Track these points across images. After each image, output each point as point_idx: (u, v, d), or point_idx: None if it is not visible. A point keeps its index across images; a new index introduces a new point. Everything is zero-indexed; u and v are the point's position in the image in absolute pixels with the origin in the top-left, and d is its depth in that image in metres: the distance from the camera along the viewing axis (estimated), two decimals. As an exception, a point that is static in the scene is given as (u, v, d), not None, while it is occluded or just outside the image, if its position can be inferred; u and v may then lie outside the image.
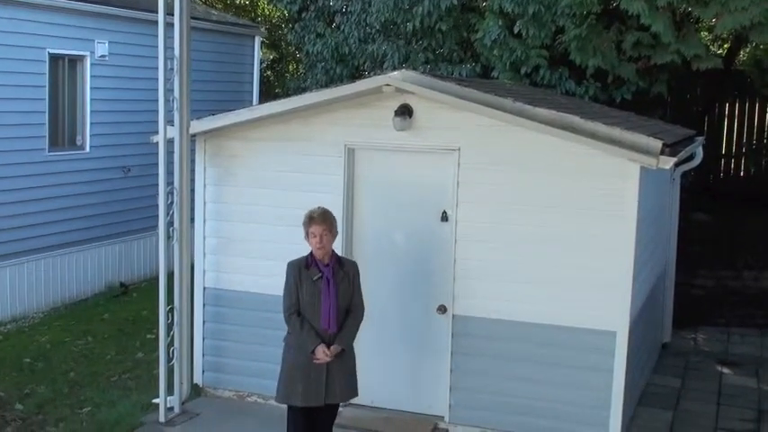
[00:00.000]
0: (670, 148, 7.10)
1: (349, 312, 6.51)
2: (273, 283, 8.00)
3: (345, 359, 6.49)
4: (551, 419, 7.38)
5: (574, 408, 7.29)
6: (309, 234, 6.42)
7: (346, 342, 6.46)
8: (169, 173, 7.91)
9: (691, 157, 9.74)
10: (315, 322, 6.36)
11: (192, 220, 8.31)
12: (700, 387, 9.25)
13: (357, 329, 6.60)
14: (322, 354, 6.29)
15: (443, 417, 7.76)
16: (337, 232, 6.58)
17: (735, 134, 16.35)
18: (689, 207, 12.57)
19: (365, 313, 6.69)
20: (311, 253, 6.47)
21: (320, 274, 6.38)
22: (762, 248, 13.81)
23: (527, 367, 7.41)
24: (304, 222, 6.47)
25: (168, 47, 7.72)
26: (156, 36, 7.69)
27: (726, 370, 9.90)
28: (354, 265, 6.72)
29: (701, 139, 10.32)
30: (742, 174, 16.45)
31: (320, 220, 6.40)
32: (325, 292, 6.35)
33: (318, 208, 6.54)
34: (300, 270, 6.44)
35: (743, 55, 16.48)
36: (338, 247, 7.73)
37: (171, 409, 8.04)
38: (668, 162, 6.81)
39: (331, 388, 6.41)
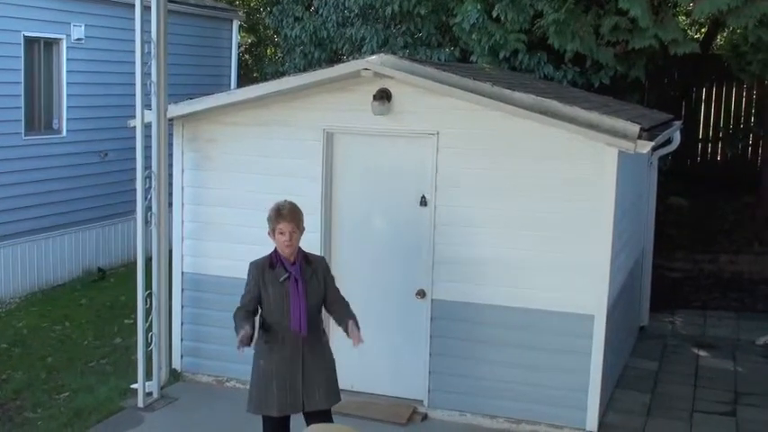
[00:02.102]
0: (648, 133, 7.14)
1: (332, 308, 6.09)
2: (252, 267, 8.01)
3: (322, 361, 6.07)
4: (530, 403, 7.42)
5: (552, 391, 7.33)
6: (276, 231, 5.92)
7: (354, 317, 6.01)
8: (147, 157, 7.88)
9: (668, 142, 9.79)
10: (284, 325, 5.90)
11: (170, 204, 8.28)
12: (677, 370, 9.32)
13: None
14: (240, 342, 5.70)
15: (422, 401, 7.78)
16: (304, 228, 6.07)
17: (712, 119, 16.45)
18: (666, 191, 12.66)
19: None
20: (275, 251, 6.01)
21: (287, 275, 5.92)
22: (738, 232, 13.92)
23: (506, 351, 7.44)
24: (270, 218, 5.98)
25: (145, 30, 7.67)
26: (133, 19, 7.65)
27: (702, 352, 9.98)
28: (323, 260, 6.30)
29: (678, 123, 10.37)
30: (719, 158, 16.56)
31: (290, 217, 5.91)
32: (294, 293, 5.89)
33: (286, 202, 6.07)
34: (264, 271, 5.97)
35: (720, 39, 16.55)
36: (317, 232, 7.73)
37: (150, 394, 8.03)
38: (646, 146, 6.85)
39: (310, 394, 5.97)
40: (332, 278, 6.22)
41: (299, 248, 6.05)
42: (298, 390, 5.96)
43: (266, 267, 6.00)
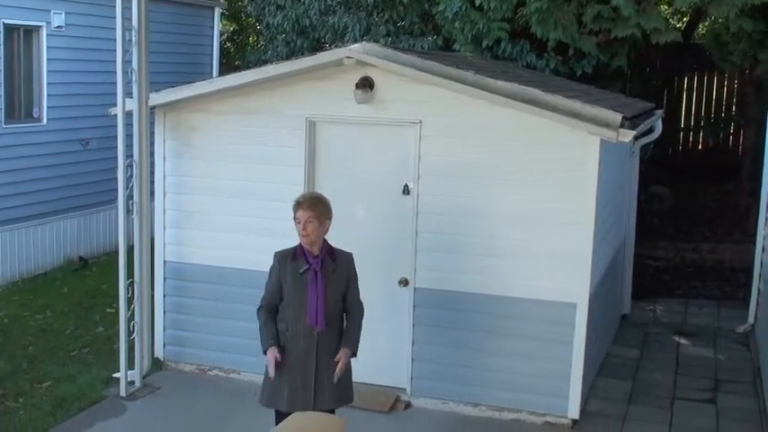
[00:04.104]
0: (630, 122, 7.17)
1: (346, 313, 5.96)
2: (234, 256, 8.03)
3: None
4: (512, 391, 7.46)
5: (534, 379, 7.37)
6: (295, 221, 5.79)
7: (353, 345, 5.91)
8: (128, 146, 7.84)
9: (650, 131, 9.81)
10: (301, 318, 5.76)
11: (152, 193, 8.25)
12: (658, 357, 9.38)
13: (360, 329, 6.00)
14: (272, 358, 5.68)
15: (405, 389, 7.82)
16: (329, 222, 5.88)
17: (693, 108, 16.52)
18: (648, 180, 12.71)
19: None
20: (300, 243, 5.86)
21: (307, 267, 5.77)
22: (719, 221, 14.01)
23: (488, 339, 7.47)
24: (293, 207, 5.86)
25: (126, 18, 7.63)
26: (114, 7, 7.60)
27: (683, 340, 10.05)
28: (349, 257, 6.02)
29: (660, 112, 10.40)
30: (700, 147, 16.64)
31: (306, 205, 5.77)
32: (312, 286, 5.74)
33: (309, 193, 6.03)
34: (286, 262, 5.82)
35: (702, 29, 16.61)
36: (300, 220, 7.73)
37: (132, 383, 8.02)
38: (628, 135, 6.87)
39: (321, 392, 5.81)
40: (354, 278, 6.05)
41: (326, 242, 5.92)
42: (309, 387, 5.82)
43: (289, 258, 5.85)
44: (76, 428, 7.30)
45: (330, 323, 5.85)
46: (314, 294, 5.76)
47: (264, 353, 5.79)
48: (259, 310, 5.95)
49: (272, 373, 5.72)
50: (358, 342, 5.99)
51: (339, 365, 5.81)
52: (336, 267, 5.90)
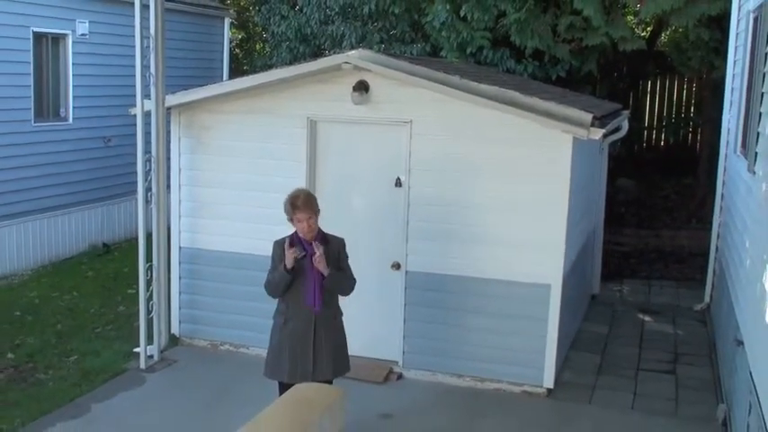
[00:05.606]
0: (599, 121, 7.16)
1: None
2: (242, 242, 8.03)
3: (334, 336, 5.95)
4: (493, 363, 7.47)
5: (513, 352, 7.38)
6: (295, 220, 5.75)
7: (334, 272, 5.81)
8: (147, 142, 7.82)
9: (617, 129, 9.78)
10: (299, 300, 5.81)
11: (168, 186, 8.23)
12: (624, 333, 9.40)
13: (344, 281, 5.94)
14: (290, 256, 5.63)
15: (398, 362, 7.82)
16: (319, 210, 5.89)
17: (656, 108, 16.53)
18: (616, 174, 12.72)
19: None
20: (296, 232, 5.84)
21: (304, 253, 5.76)
22: (678, 210, 14.04)
23: (472, 317, 7.47)
24: (286, 209, 5.77)
25: (144, 27, 7.60)
26: (133, 16, 7.57)
27: (647, 318, 10.07)
28: (340, 241, 6.01)
29: (626, 112, 10.39)
30: (662, 144, 16.66)
31: (303, 206, 5.73)
32: (309, 271, 5.76)
33: (300, 192, 5.88)
34: (285, 249, 5.77)
35: (664, 37, 16.61)
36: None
37: (151, 357, 8.02)
38: (597, 133, 6.87)
39: (319, 364, 5.86)
40: (345, 257, 6.02)
41: (319, 229, 5.89)
42: (308, 361, 5.85)
43: (287, 246, 5.80)
44: (101, 398, 7.30)
45: (326, 303, 5.89)
46: (311, 278, 5.79)
47: (287, 270, 5.69)
48: (267, 283, 5.91)
49: (299, 253, 5.69)
50: (337, 278, 5.87)
51: (318, 255, 5.71)
52: (329, 252, 5.89)
